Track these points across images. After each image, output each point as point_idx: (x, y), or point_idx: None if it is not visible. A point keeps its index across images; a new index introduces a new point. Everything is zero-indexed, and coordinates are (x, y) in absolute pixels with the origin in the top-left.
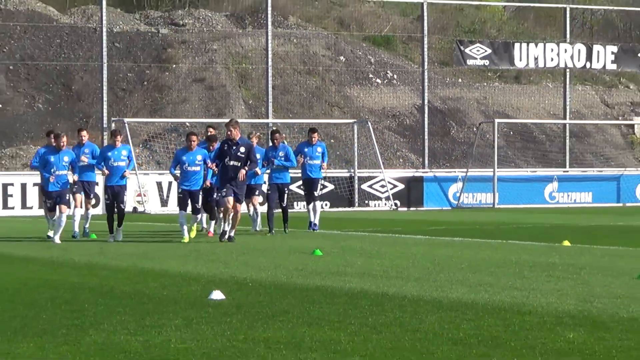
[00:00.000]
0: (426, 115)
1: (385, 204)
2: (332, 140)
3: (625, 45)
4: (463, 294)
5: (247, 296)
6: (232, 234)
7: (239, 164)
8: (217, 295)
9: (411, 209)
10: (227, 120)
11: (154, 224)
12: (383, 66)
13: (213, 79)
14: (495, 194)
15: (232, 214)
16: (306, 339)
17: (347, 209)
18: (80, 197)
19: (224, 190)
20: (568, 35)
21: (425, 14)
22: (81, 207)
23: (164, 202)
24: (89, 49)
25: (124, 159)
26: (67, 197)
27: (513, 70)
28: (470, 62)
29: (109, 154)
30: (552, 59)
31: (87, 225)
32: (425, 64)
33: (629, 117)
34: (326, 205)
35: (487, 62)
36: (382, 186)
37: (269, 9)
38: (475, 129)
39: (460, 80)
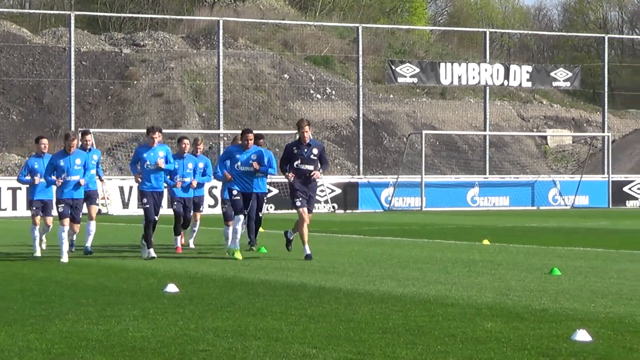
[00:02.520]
0: (361, 127)
1: (324, 207)
2: (277, 150)
3: (538, 65)
4: (393, 288)
5: (198, 289)
6: (309, 250)
7: (312, 168)
8: (171, 288)
9: (347, 211)
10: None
11: (116, 225)
12: (322, 83)
13: (170, 94)
14: (422, 198)
15: (306, 226)
16: (251, 328)
17: (290, 211)
18: (97, 208)
19: (299, 199)
20: (488, 56)
21: (360, 36)
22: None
23: (125, 205)
24: (58, 67)
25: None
26: (80, 209)
27: (439, 87)
28: (400, 79)
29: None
30: (473, 77)
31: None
32: (360, 81)
33: (542, 129)
34: (271, 207)
35: (415, 80)
36: (322, 191)
37: (221, 31)
38: (405, 140)
39: (391, 96)
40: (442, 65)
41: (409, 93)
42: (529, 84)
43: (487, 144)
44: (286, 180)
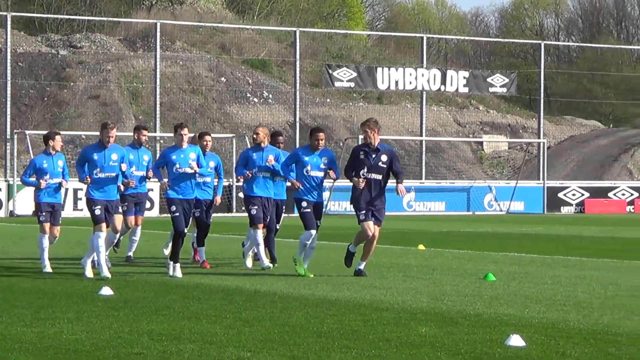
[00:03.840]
0: (297, 131)
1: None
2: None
3: (475, 71)
4: (328, 292)
5: (133, 292)
6: (362, 266)
7: (381, 177)
8: (106, 291)
9: (284, 215)
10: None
11: (63, 227)
12: (259, 87)
13: (107, 96)
14: None
15: (370, 242)
16: (185, 331)
17: (226, 214)
18: (140, 218)
19: (363, 212)
20: (425, 62)
21: (298, 40)
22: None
23: (62, 207)
24: None
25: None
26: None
27: (376, 91)
28: (337, 84)
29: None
30: (410, 82)
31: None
32: (297, 85)
33: (478, 135)
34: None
35: (352, 84)
36: None
37: (158, 34)
38: (341, 144)
39: (328, 100)
40: (379, 70)
41: (346, 97)
42: (466, 90)
43: (424, 149)
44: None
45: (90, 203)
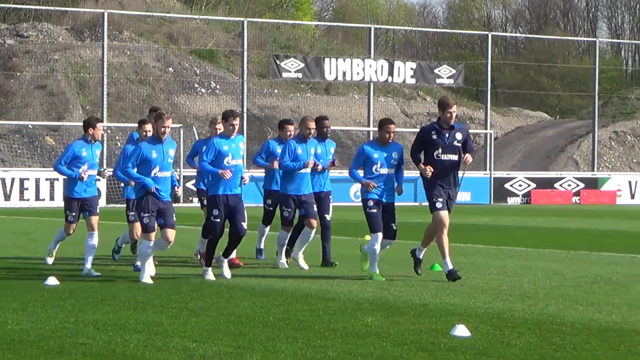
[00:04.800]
0: (245, 122)
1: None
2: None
3: (422, 62)
4: (274, 282)
5: (79, 282)
6: (451, 265)
7: (457, 158)
8: (52, 281)
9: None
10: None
11: None
12: (207, 77)
13: (54, 86)
14: None
15: (446, 234)
16: (131, 321)
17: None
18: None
19: (439, 200)
20: (372, 52)
21: (245, 31)
22: None
23: (7, 197)
24: None
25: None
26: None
27: (323, 82)
28: (285, 74)
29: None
30: (358, 73)
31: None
32: (245, 75)
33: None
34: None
35: (300, 75)
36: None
37: (105, 23)
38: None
39: (276, 90)
40: (327, 60)
41: (293, 88)
42: (413, 81)
43: (371, 139)
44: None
45: (142, 207)
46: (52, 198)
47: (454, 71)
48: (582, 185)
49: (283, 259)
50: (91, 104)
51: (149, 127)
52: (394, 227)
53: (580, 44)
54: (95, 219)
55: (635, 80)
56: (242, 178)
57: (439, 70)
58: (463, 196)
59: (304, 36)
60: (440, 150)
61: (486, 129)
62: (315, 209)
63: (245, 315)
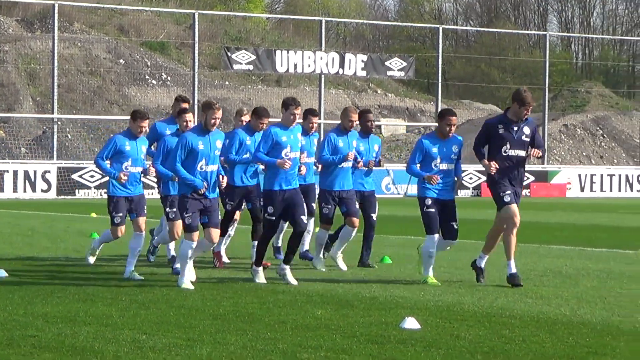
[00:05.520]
0: (196, 114)
1: (158, 192)
2: (111, 135)
3: (373, 55)
4: (225, 275)
5: (28, 274)
6: (515, 269)
7: (524, 154)
8: (0, 273)
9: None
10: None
11: None
12: (158, 69)
13: (4, 77)
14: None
15: (515, 233)
16: (81, 313)
17: None
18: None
19: (507, 193)
20: (323, 45)
21: (197, 23)
22: None
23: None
24: None
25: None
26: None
27: (275, 74)
28: (236, 66)
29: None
30: (309, 65)
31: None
32: (196, 67)
33: (376, 118)
34: (104, 193)
35: (251, 67)
36: (156, 176)
37: (56, 15)
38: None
39: (227, 82)
40: (278, 52)
41: (244, 80)
42: (364, 73)
43: (322, 132)
44: None
45: (184, 205)
46: (1, 189)
47: (404, 64)
48: (532, 178)
49: (322, 260)
50: (41, 95)
51: (189, 116)
52: (455, 226)
53: (530, 37)
54: (142, 220)
55: (585, 73)
56: (299, 169)
57: (390, 63)
58: (414, 189)
59: (255, 28)
60: (508, 145)
61: (437, 121)
62: (358, 207)
63: (195, 308)
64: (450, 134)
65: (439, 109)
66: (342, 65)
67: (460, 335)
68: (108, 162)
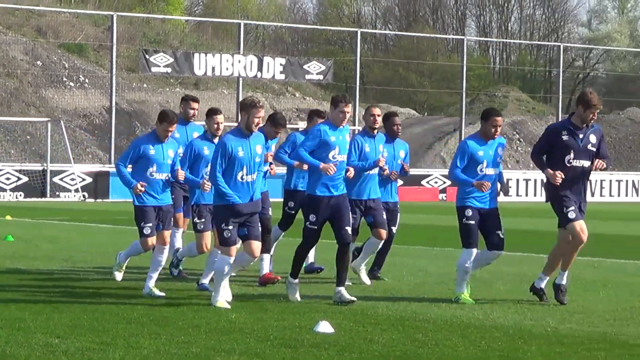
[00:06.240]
0: (113, 116)
1: (75, 195)
2: (28, 137)
3: (292, 58)
4: (139, 278)
5: None
6: (566, 279)
7: (589, 165)
8: None
9: (98, 200)
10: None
11: None
12: (76, 71)
13: None
14: None
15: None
16: None
17: (39, 199)
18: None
19: (571, 209)
20: (242, 48)
21: (115, 25)
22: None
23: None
24: None
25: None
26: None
27: (193, 77)
28: (154, 69)
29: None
30: (227, 69)
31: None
32: (114, 70)
33: (294, 122)
34: (20, 195)
35: (169, 70)
36: (72, 179)
37: None
38: None
39: (145, 85)
40: (196, 55)
41: (162, 83)
42: (282, 77)
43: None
44: (36, 169)
45: (225, 216)
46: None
47: (323, 67)
48: (448, 182)
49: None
50: None
51: (221, 117)
52: (501, 235)
53: (449, 42)
54: (168, 233)
55: (503, 78)
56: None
57: (308, 66)
58: None
59: (173, 31)
60: (572, 154)
61: (354, 125)
62: (385, 217)
63: (109, 312)
64: (496, 136)
65: (357, 113)
66: (260, 68)
67: (373, 339)
68: (130, 167)
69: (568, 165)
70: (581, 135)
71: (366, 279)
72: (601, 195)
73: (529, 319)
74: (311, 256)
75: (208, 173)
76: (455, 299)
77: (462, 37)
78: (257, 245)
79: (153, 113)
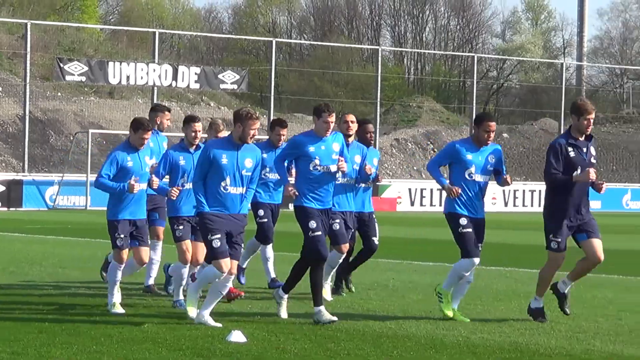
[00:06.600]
0: (27, 125)
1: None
2: None
3: (207, 67)
4: (51, 288)
5: None
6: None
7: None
8: None
9: (10, 209)
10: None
11: None
12: None
13: None
14: (88, 197)
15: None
16: None
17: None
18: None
19: (559, 239)
20: (157, 57)
21: (29, 33)
22: None
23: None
24: None
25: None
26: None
27: (107, 86)
28: (69, 77)
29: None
30: (142, 78)
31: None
32: (28, 78)
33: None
34: None
35: (84, 78)
36: None
37: None
38: (72, 138)
39: (59, 94)
40: (111, 64)
41: (77, 91)
42: (197, 86)
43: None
44: None
45: (207, 227)
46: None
47: (238, 77)
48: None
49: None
50: None
51: (199, 125)
52: (480, 248)
53: (364, 52)
54: (145, 251)
55: (417, 88)
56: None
57: (223, 76)
58: None
59: (88, 39)
60: (579, 170)
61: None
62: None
63: (20, 321)
64: (489, 142)
65: (271, 122)
66: (175, 77)
67: (286, 349)
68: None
69: (574, 181)
70: (584, 149)
71: (328, 296)
72: (514, 205)
73: (441, 328)
74: (272, 271)
75: (183, 184)
76: (437, 294)
77: (377, 47)
78: (234, 264)
79: (67, 122)
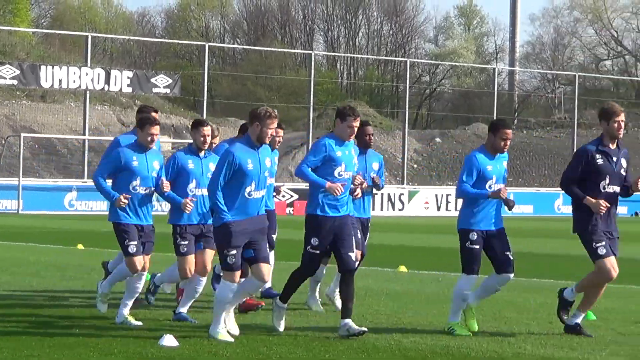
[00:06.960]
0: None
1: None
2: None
3: (139, 71)
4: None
5: None
6: (580, 319)
7: (619, 190)
8: None
9: None
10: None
11: None
12: None
13: None
14: (20, 201)
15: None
16: None
17: None
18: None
19: (601, 244)
20: (89, 60)
21: None
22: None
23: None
24: None
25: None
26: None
27: (39, 89)
28: (0, 81)
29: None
30: (74, 81)
31: None
32: None
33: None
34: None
35: (15, 82)
36: None
37: None
38: (3, 142)
39: None
40: (43, 67)
41: (8, 95)
42: (130, 90)
43: (87, 148)
44: None
45: (226, 239)
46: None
47: (170, 81)
48: (296, 196)
49: (317, 299)
50: None
51: (208, 129)
52: (511, 257)
53: (297, 56)
54: (148, 258)
55: (350, 92)
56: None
57: (156, 80)
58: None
59: (20, 43)
60: (607, 180)
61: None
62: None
63: None
64: (505, 150)
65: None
66: (107, 81)
67: (218, 353)
68: (110, 180)
69: (603, 191)
70: (615, 159)
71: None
72: (447, 210)
73: (373, 332)
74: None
75: (192, 190)
76: (448, 329)
77: (310, 51)
78: (267, 269)
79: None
